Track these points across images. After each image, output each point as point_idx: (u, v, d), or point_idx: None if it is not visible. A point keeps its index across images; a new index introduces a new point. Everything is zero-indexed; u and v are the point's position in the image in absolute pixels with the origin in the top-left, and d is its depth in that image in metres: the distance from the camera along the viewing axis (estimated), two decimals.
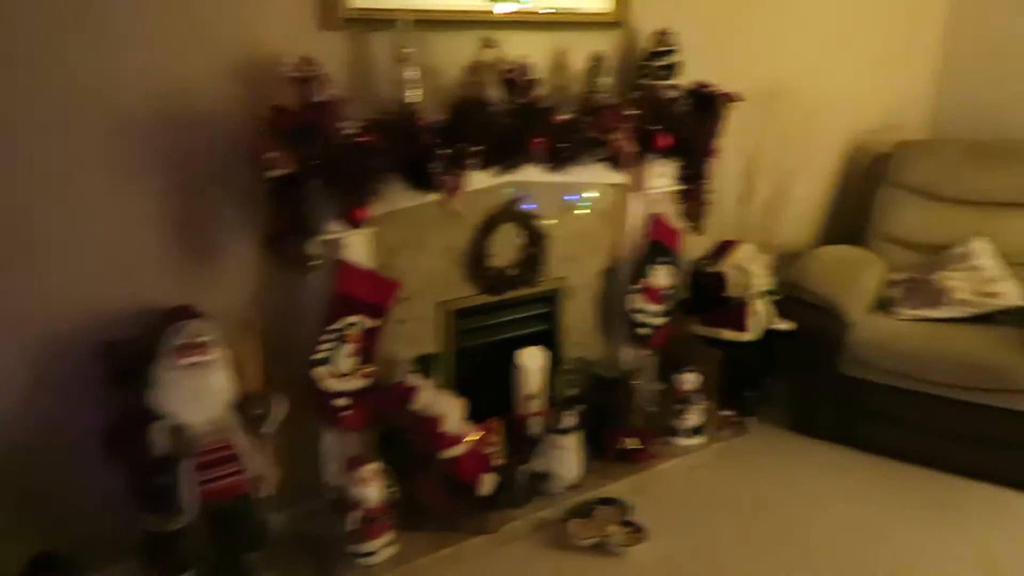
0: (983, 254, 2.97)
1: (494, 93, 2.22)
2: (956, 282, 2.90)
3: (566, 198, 2.62)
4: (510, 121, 2.21)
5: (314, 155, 1.84)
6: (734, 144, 2.99)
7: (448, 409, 2.28)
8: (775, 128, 3.11)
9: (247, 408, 1.95)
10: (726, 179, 3.01)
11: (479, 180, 2.25)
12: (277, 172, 1.82)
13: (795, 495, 2.64)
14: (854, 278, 2.96)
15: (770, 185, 3.19)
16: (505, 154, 2.21)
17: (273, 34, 1.99)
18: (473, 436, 2.36)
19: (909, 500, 2.62)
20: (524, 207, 2.49)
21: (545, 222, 2.57)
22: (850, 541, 2.41)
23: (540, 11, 2.41)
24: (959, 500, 2.61)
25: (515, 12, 2.36)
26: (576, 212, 2.67)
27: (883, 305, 2.97)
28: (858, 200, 3.42)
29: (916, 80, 3.65)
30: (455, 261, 2.43)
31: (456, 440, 2.30)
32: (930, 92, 3.67)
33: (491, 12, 2.31)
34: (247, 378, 1.98)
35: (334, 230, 2.03)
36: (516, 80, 2.28)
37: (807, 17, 3.14)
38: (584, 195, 2.65)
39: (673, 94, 2.59)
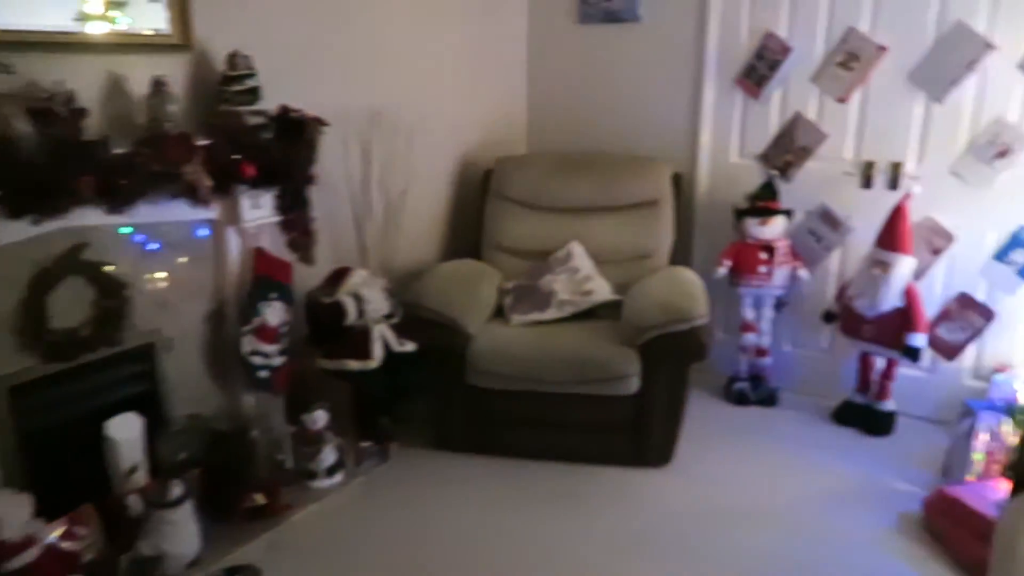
0: (578, 256, 3.26)
1: (21, 127, 1.87)
2: (559, 284, 3.14)
3: (142, 240, 2.32)
4: (45, 159, 1.87)
5: None
6: (340, 168, 2.93)
7: (4, 511, 1.87)
8: (383, 149, 3.10)
9: None
10: (335, 204, 2.94)
11: (15, 230, 1.88)
12: None
13: (442, 513, 2.63)
14: (471, 291, 3.07)
15: (385, 206, 3.18)
16: (42, 197, 1.87)
17: None
18: (52, 533, 1.98)
19: (541, 495, 2.75)
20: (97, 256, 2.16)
21: (122, 269, 2.25)
22: (496, 546, 2.46)
23: (89, 32, 2.11)
24: (582, 485, 2.81)
25: (55, 33, 2.03)
26: (162, 254, 2.38)
27: (501, 313, 3.12)
28: (474, 214, 3.57)
29: (510, 100, 3.93)
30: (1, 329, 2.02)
31: (23, 546, 1.89)
32: (522, 111, 3.98)
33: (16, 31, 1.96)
34: None
35: None
36: (54, 111, 1.95)
37: (400, 41, 3.20)
38: (168, 235, 2.38)
39: (257, 120, 2.43)
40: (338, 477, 2.70)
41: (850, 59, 3.17)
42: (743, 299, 3.41)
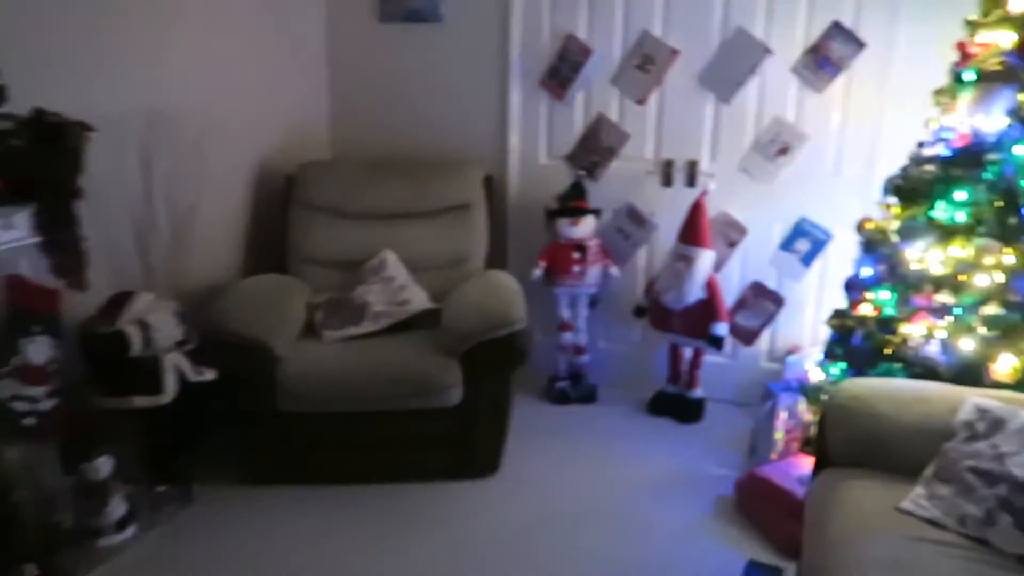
0: (393, 264, 3.12)
1: None
2: (373, 295, 2.99)
3: None
4: None
5: None
6: (115, 179, 2.58)
7: None
8: (167, 156, 2.78)
9: None
10: (112, 220, 2.59)
11: None
12: None
13: (258, 555, 2.40)
14: (277, 309, 2.83)
15: (172, 220, 2.86)
16: None
17: None
18: None
19: (368, 520, 2.59)
20: None
21: None
22: None
23: None
24: (410, 505, 2.68)
25: None
26: None
27: (312, 331, 2.91)
28: (277, 225, 3.31)
29: (311, 102, 3.70)
30: None
31: None
32: (324, 114, 3.76)
33: None
34: None
35: None
36: None
37: (184, 37, 2.88)
38: None
39: (3, 125, 2.07)
40: (130, 530, 2.39)
41: (646, 62, 3.28)
42: (559, 299, 3.43)
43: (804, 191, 3.18)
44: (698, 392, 3.35)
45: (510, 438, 2.95)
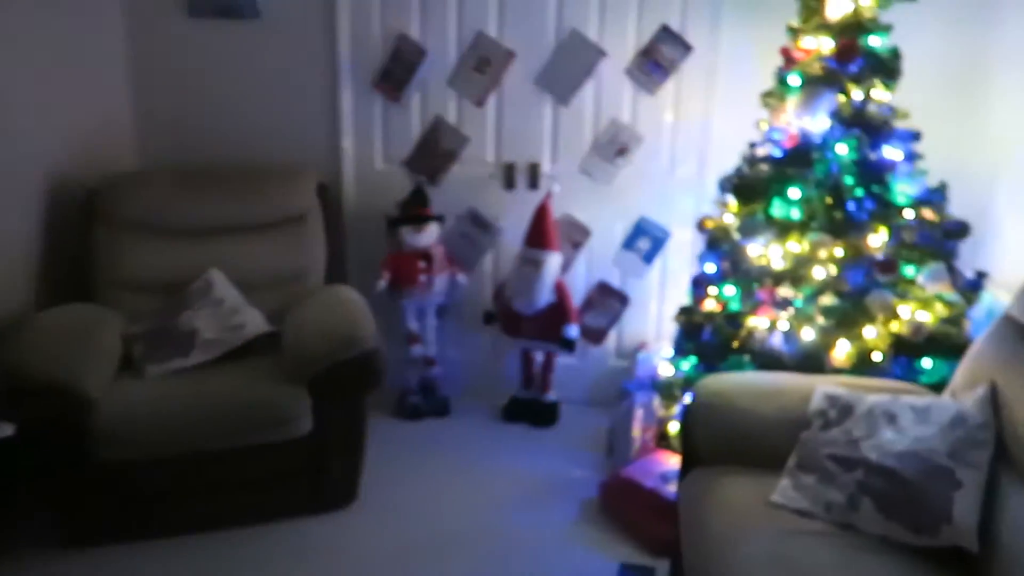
0: (221, 285, 2.82)
1: None
2: (202, 321, 2.68)
3: None
4: None
5: None
6: None
7: None
8: None
9: None
10: None
11: None
12: None
13: None
14: (86, 344, 2.46)
15: None
16: None
17: None
18: None
19: (214, 572, 2.32)
20: None
21: None
22: None
23: None
24: (261, 549, 2.44)
25: None
26: None
27: (132, 366, 2.56)
28: (79, 246, 2.89)
29: (111, 107, 3.28)
30: None
31: None
32: (128, 119, 3.35)
33: None
34: None
35: None
36: None
37: None
38: None
39: None
40: None
41: (483, 63, 3.20)
42: (406, 311, 3.28)
43: (643, 191, 3.25)
44: (552, 395, 3.34)
45: (366, 463, 2.77)
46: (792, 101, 2.45)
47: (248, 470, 2.50)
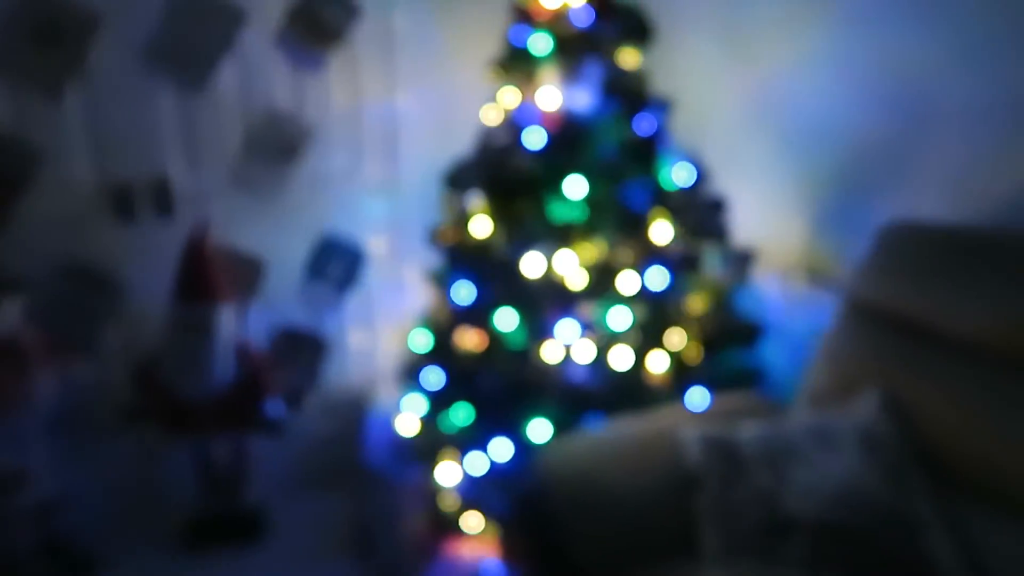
0: None
1: None
2: None
3: None
4: None
5: None
6: None
7: None
8: None
9: None
10: None
11: None
12: None
13: None
14: None
15: None
16: None
17: None
18: None
19: None
20: None
21: None
22: None
23: None
24: None
25: None
26: None
27: None
28: None
29: None
30: None
31: None
32: None
33: None
34: None
35: None
36: None
37: None
38: None
39: None
40: None
41: (45, 33, 2.02)
42: None
43: (324, 200, 2.46)
44: (251, 497, 2.41)
45: None
46: (548, 71, 1.94)
47: None
